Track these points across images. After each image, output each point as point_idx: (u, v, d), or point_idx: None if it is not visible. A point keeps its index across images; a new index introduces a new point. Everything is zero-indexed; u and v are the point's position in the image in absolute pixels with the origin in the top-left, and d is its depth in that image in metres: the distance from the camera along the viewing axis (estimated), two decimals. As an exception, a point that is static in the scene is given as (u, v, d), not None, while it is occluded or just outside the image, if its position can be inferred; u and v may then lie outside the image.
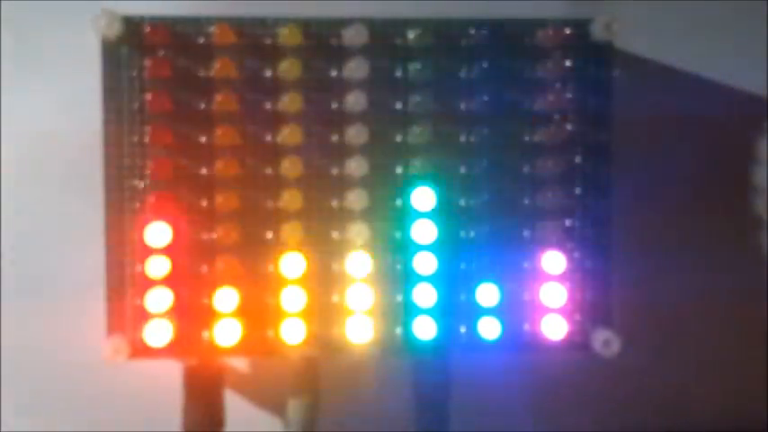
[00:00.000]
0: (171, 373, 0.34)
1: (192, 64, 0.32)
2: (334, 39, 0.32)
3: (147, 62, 0.32)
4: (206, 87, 0.32)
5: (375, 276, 0.33)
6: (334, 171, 0.33)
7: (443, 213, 0.33)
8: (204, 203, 0.32)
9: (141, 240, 0.32)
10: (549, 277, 0.33)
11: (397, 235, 0.33)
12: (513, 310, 0.33)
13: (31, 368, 0.37)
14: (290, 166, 0.32)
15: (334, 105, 0.33)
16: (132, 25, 0.32)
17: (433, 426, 0.33)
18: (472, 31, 0.33)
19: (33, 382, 0.37)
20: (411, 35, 0.32)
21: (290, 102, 0.32)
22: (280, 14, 0.32)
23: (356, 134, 0.32)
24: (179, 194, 0.32)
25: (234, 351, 0.33)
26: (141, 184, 0.32)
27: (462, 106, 0.33)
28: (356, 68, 0.32)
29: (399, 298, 0.33)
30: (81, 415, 0.38)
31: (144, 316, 0.32)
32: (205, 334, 0.32)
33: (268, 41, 0.32)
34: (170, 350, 0.32)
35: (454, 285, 0.33)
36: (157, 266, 0.32)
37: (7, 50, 0.36)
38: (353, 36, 0.32)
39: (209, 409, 0.33)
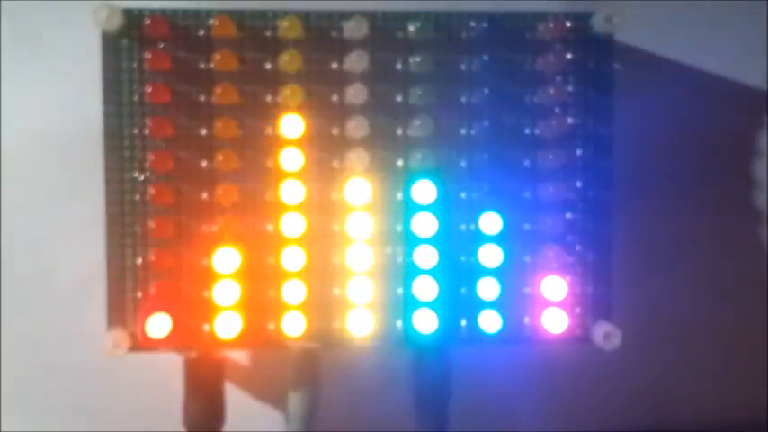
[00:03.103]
0: (172, 367, 0.33)
1: (191, 56, 0.32)
2: (335, 31, 0.32)
3: (147, 55, 0.32)
4: (206, 80, 0.32)
5: (376, 269, 0.33)
6: (335, 164, 0.33)
7: (444, 206, 0.33)
8: (204, 196, 0.32)
9: (141, 233, 0.32)
10: (550, 270, 0.33)
11: (398, 228, 0.33)
12: (514, 304, 0.33)
13: (30, 366, 0.37)
14: (291, 160, 0.32)
15: (335, 98, 0.32)
16: (132, 18, 0.32)
17: (434, 419, 0.33)
18: (473, 24, 0.33)
19: (33, 380, 0.37)
20: (411, 28, 0.32)
21: (290, 94, 0.32)
22: (280, 7, 0.32)
23: (357, 127, 0.32)
24: (179, 187, 0.32)
25: (234, 344, 0.33)
26: (141, 177, 0.32)
27: (463, 99, 0.33)
28: (357, 61, 0.32)
29: (400, 291, 0.33)
30: (82, 410, 0.38)
31: (144, 309, 0.32)
32: (206, 326, 0.32)
33: (268, 34, 0.32)
34: (170, 343, 0.32)
35: (455, 278, 0.33)
36: (158, 259, 0.32)
37: (7, 43, 0.36)
38: (354, 29, 0.32)
39: (209, 402, 0.33)
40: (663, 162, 0.38)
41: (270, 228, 0.32)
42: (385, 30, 0.32)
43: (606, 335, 0.32)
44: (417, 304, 0.33)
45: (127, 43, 0.32)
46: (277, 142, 0.32)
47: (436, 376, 0.33)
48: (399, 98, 0.33)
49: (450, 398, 0.33)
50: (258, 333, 0.32)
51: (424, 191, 0.33)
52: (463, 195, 0.33)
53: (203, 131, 0.32)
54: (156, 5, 0.32)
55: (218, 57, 0.32)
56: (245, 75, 0.32)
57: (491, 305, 0.33)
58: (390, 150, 0.33)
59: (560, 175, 0.33)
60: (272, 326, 0.32)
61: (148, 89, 0.32)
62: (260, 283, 0.32)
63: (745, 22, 0.38)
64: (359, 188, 0.32)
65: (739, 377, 0.40)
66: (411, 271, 0.33)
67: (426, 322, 0.33)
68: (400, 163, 0.33)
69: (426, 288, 0.33)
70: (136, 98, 0.32)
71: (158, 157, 0.32)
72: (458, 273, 0.33)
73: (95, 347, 0.32)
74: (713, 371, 0.40)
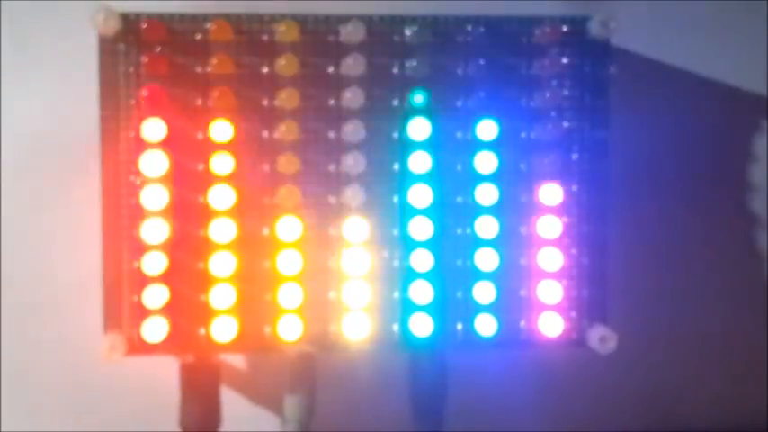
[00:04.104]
0: (169, 371, 0.33)
1: (188, 60, 0.32)
2: (332, 35, 0.32)
3: (144, 59, 0.32)
4: (203, 84, 0.32)
5: (372, 273, 0.33)
6: (332, 167, 0.33)
7: (440, 210, 0.33)
8: (201, 200, 0.32)
9: (138, 237, 0.32)
10: (546, 274, 0.33)
11: (395, 231, 0.33)
12: (510, 307, 0.33)
13: (30, 367, 0.37)
14: (287, 164, 0.32)
15: (332, 102, 0.33)
16: (129, 22, 0.32)
17: (430, 422, 0.33)
18: (469, 29, 0.33)
19: (33, 380, 0.37)
20: (408, 32, 0.32)
21: (287, 98, 0.32)
22: (277, 11, 0.32)
23: (353, 131, 0.32)
24: (176, 191, 0.32)
25: (231, 347, 0.33)
26: (138, 181, 0.32)
27: (459, 103, 0.33)
28: (353, 65, 0.32)
29: (396, 295, 0.33)
30: (80, 413, 0.38)
31: (141, 313, 0.32)
32: (202, 330, 0.32)
33: (265, 38, 0.32)
34: (167, 346, 0.32)
35: (451, 282, 0.33)
36: (154, 263, 0.32)
37: (6, 46, 0.36)
38: (351, 33, 0.32)
39: (205, 405, 0.33)
40: (659, 165, 0.38)
41: (266, 231, 0.32)
42: (382, 34, 0.33)
43: (602, 338, 0.32)
44: (413, 308, 0.33)
45: (124, 47, 0.32)
46: (273, 146, 0.32)
47: (432, 380, 0.33)
48: (396, 102, 0.33)
49: (446, 401, 0.33)
50: (254, 337, 0.33)
51: (421, 194, 0.33)
52: (459, 199, 0.33)
53: (200, 136, 0.32)
54: (154, 9, 0.32)
55: (215, 61, 0.32)
56: (241, 79, 0.32)
57: (487, 309, 0.33)
58: (387, 154, 0.33)
59: (556, 178, 0.33)
60: (268, 330, 0.32)
61: (145, 93, 0.32)
62: (256, 286, 0.32)
63: (745, 22, 0.38)
64: (355, 192, 0.33)
65: (736, 379, 0.40)
66: (407, 275, 0.33)
67: (422, 326, 0.33)
68: (397, 167, 0.33)
69: (422, 292, 0.33)
70: (133, 102, 0.32)
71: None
72: (454, 276, 0.33)
73: (94, 348, 0.32)
74: (710, 373, 0.40)
